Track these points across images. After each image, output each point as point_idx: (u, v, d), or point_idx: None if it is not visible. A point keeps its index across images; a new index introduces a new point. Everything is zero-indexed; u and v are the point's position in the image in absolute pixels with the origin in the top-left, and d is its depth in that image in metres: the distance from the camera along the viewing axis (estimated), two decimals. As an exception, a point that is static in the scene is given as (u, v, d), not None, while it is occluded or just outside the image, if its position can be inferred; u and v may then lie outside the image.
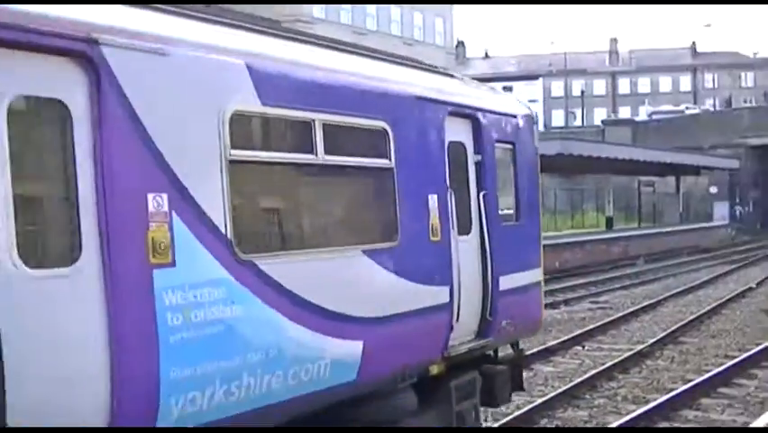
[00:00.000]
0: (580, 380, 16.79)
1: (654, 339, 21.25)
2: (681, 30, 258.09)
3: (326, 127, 8.15)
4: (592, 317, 25.28)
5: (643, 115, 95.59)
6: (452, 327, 10.02)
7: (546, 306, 15.36)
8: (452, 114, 10.43)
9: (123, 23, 6.53)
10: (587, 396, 16.14)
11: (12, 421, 5.29)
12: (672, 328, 22.72)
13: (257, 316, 7.26)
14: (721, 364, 18.23)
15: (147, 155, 6.41)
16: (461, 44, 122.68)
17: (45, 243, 6.01)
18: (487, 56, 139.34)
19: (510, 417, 13.80)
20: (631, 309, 26.78)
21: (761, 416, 10.97)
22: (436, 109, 10.16)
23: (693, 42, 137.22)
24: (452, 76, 12.08)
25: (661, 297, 29.55)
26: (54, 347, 5.68)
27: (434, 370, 10.07)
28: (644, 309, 26.94)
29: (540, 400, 14.93)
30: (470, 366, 10.95)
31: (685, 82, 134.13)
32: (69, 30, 5.95)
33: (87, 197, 5.98)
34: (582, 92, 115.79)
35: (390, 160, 9.09)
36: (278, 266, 7.51)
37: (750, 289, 31.69)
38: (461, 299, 10.16)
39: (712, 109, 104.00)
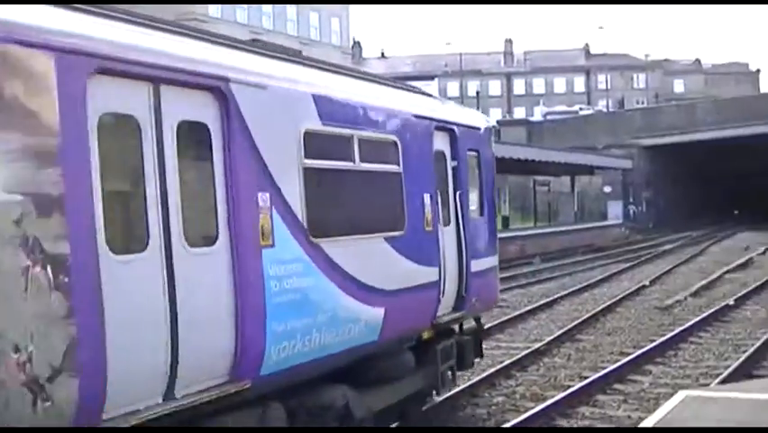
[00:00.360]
0: (478, 378, 16.76)
1: (551, 337, 21.40)
2: (574, 32, 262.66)
3: (360, 141, 10.78)
4: (490, 316, 25.14)
5: (537, 115, 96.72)
6: (439, 301, 12.71)
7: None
8: (436, 128, 13.08)
9: (241, 65, 9.04)
10: (485, 394, 16.20)
11: (182, 355, 7.59)
12: (569, 326, 22.94)
13: (322, 286, 9.74)
14: (616, 361, 18.44)
15: (257, 163, 8.79)
16: (357, 44, 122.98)
17: (197, 230, 8.15)
18: (383, 56, 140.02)
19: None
20: (528, 308, 26.89)
21: (655, 411, 10.86)
22: (427, 125, 12.84)
23: (587, 44, 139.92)
24: (434, 97, 15.13)
25: (557, 295, 29.73)
26: (206, 304, 8.03)
27: (425, 335, 12.84)
28: (541, 308, 27.08)
29: (440, 399, 14.80)
30: (447, 335, 13.85)
31: (579, 83, 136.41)
32: (213, 72, 8.35)
33: (221, 195, 8.32)
34: (478, 92, 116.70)
35: (399, 166, 11.74)
36: (334, 248, 9.98)
37: (644, 287, 32.06)
38: (446, 279, 12.86)
39: (605, 110, 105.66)
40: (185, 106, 7.98)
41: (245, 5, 71.20)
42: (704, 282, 32.91)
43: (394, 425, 13.16)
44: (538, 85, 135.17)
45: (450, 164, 13.70)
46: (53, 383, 6.36)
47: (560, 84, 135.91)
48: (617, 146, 77.27)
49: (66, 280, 6.50)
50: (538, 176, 59.57)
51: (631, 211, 76.96)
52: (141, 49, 7.69)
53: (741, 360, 18.03)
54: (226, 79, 8.41)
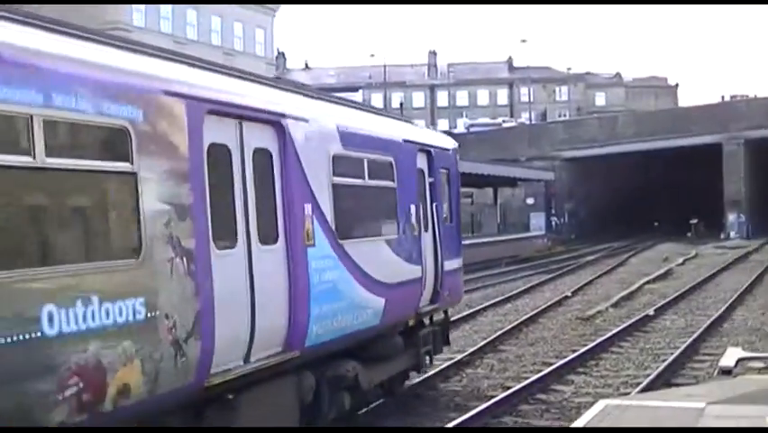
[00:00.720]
0: (404, 389, 16.85)
1: (474, 348, 21.55)
2: (498, 44, 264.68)
3: (368, 162, 13.61)
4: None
5: (461, 127, 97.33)
6: (421, 294, 15.51)
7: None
8: (419, 150, 16.08)
9: (291, 104, 11.78)
10: (409, 405, 16.27)
11: (257, 329, 10.09)
12: (492, 337, 23.04)
13: (345, 278, 12.38)
14: (539, 371, 18.61)
15: (303, 180, 11.34)
16: (281, 55, 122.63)
17: (265, 231, 10.50)
18: (307, 67, 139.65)
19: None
20: (451, 319, 26.79)
21: (576, 420, 10.93)
22: (413, 147, 15.76)
23: (510, 57, 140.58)
24: (416, 124, 19.02)
25: (480, 306, 29.87)
26: (271, 290, 10.50)
27: (411, 322, 15.65)
28: (465, 319, 27.15)
29: (365, 409, 14.95)
30: (423, 324, 16.69)
31: (502, 96, 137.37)
32: (275, 110, 11.05)
33: (280, 204, 10.84)
34: (401, 104, 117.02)
35: (394, 182, 14.52)
36: (352, 248, 12.61)
37: (566, 297, 32.34)
38: (427, 275, 15.67)
39: (528, 122, 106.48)
40: (257, 137, 10.61)
41: (169, 15, 70.62)
42: (625, 293, 33.29)
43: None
44: (462, 97, 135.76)
45: (428, 180, 16.48)
46: (186, 344, 8.74)
47: (483, 96, 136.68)
48: (540, 158, 77.91)
49: (192, 268, 8.89)
50: (461, 187, 59.80)
51: (553, 222, 77.59)
52: (232, 94, 10.35)
53: (660, 369, 18.29)
54: (283, 115, 11.10)
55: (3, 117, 7.01)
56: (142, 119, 8.45)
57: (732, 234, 72.74)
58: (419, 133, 17.65)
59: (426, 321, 16.89)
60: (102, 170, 8.16)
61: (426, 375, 17.97)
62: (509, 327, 24.85)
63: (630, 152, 78.36)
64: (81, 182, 8.02)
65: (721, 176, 75.99)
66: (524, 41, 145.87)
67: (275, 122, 10.94)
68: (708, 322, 24.75)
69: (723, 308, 27.43)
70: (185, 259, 8.83)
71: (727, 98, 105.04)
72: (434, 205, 16.48)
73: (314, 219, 11.56)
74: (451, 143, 18.75)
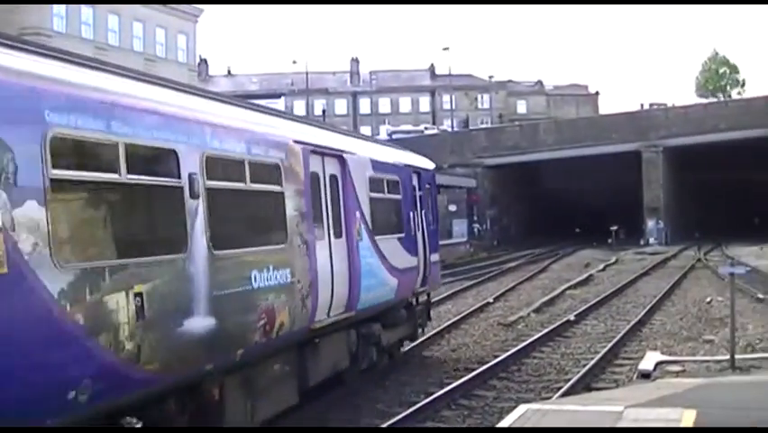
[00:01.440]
0: (326, 397, 16.76)
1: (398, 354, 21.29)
2: (420, 52, 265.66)
3: (387, 181, 19.15)
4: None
5: (383, 134, 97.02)
6: (417, 278, 21.00)
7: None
8: (413, 171, 21.69)
9: (347, 143, 17.38)
10: (332, 411, 16.26)
11: (335, 295, 15.42)
12: (415, 343, 22.80)
13: (376, 264, 17.61)
14: (461, 377, 18.67)
15: (354, 195, 16.53)
16: (203, 62, 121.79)
17: (335, 229, 15.74)
18: (230, 74, 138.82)
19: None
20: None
21: (495, 424, 10.97)
22: (410, 170, 21.41)
23: (432, 64, 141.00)
24: (412, 153, 23.38)
25: (403, 312, 29.64)
26: (340, 269, 15.75)
27: (410, 299, 21.04)
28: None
29: (288, 418, 14.76)
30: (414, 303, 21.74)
31: (424, 103, 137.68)
32: (340, 148, 16.52)
33: (343, 211, 16.07)
34: (324, 111, 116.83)
35: (400, 195, 20.12)
36: (380, 242, 17.80)
37: (488, 303, 32.51)
38: (420, 265, 21.16)
39: (450, 129, 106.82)
40: (331, 166, 16.00)
41: (90, 20, 69.76)
42: (546, 299, 33.56)
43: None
44: (384, 104, 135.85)
45: (418, 193, 21.88)
46: (306, 300, 13.81)
47: (405, 103, 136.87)
48: (462, 165, 78.17)
49: (308, 252, 14.02)
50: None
51: (476, 229, 77.87)
52: (319, 138, 16.07)
53: (581, 374, 18.43)
54: (343, 151, 16.65)
55: (263, 165, 13.05)
56: (285, 158, 13.66)
57: (651, 240, 73.75)
58: (413, 158, 22.75)
59: (414, 302, 21.74)
60: (271, 191, 13.27)
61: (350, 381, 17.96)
62: (432, 333, 24.80)
63: (551, 159, 79.11)
64: (265, 198, 13.31)
65: (641, 183, 77.05)
66: (446, 48, 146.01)
67: (339, 155, 16.37)
68: (628, 327, 25.02)
69: (642, 313, 27.76)
70: (305, 245, 13.99)
71: (647, 107, 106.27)
72: (422, 212, 22.02)
73: (360, 222, 16.93)
74: (431, 165, 24.38)
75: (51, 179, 8.29)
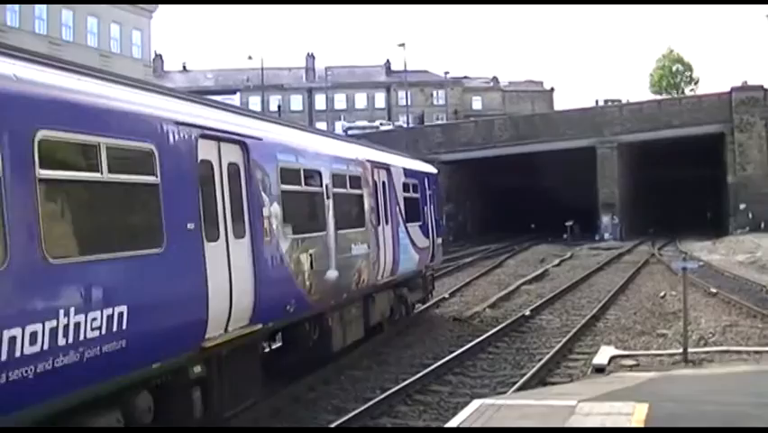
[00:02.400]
0: (284, 392, 16.81)
1: (354, 351, 21.28)
2: (375, 48, 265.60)
3: (411, 184, 26.27)
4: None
5: (338, 130, 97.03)
6: (428, 255, 27.57)
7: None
8: (425, 176, 28.51)
9: (398, 160, 27.08)
10: (290, 408, 16.19)
11: (383, 260, 22.94)
12: (370, 340, 22.74)
13: (407, 242, 24.95)
14: (417, 373, 18.63)
15: (395, 196, 24.17)
16: (158, 57, 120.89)
17: (394, 219, 24.07)
18: (185, 69, 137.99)
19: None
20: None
21: (451, 419, 10.93)
22: (424, 175, 28.47)
23: (387, 60, 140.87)
24: (412, 158, 29.73)
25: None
26: (390, 244, 23.29)
27: (423, 271, 27.69)
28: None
29: (250, 416, 14.71)
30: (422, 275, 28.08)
31: (380, 99, 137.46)
32: (385, 162, 24.12)
33: (390, 207, 23.85)
34: (279, 107, 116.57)
35: (419, 194, 27.27)
36: (409, 228, 25.31)
37: (443, 299, 32.57)
38: (430, 245, 27.67)
39: (405, 125, 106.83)
40: (382, 175, 23.23)
41: (45, 15, 69.08)
42: (502, 294, 33.64)
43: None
44: (339, 100, 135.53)
45: (428, 192, 28.60)
46: (373, 266, 21.57)
47: (361, 99, 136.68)
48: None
49: (375, 233, 21.87)
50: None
51: (432, 225, 77.79)
52: (400, 164, 25.92)
53: (536, 368, 18.48)
54: (390, 165, 24.14)
55: (349, 176, 20.37)
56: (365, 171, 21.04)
57: (606, 235, 74.20)
58: (425, 166, 30.45)
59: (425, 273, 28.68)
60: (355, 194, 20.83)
61: (306, 379, 17.92)
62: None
63: (506, 154, 79.34)
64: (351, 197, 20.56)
65: (596, 179, 77.51)
66: (401, 44, 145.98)
67: (386, 168, 23.83)
68: (583, 321, 25.18)
69: (597, 308, 27.93)
70: (374, 230, 21.58)
71: (601, 103, 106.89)
72: (432, 206, 29.01)
73: (399, 213, 24.37)
74: (435, 170, 32.18)
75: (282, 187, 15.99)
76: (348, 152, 21.08)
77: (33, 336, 8.71)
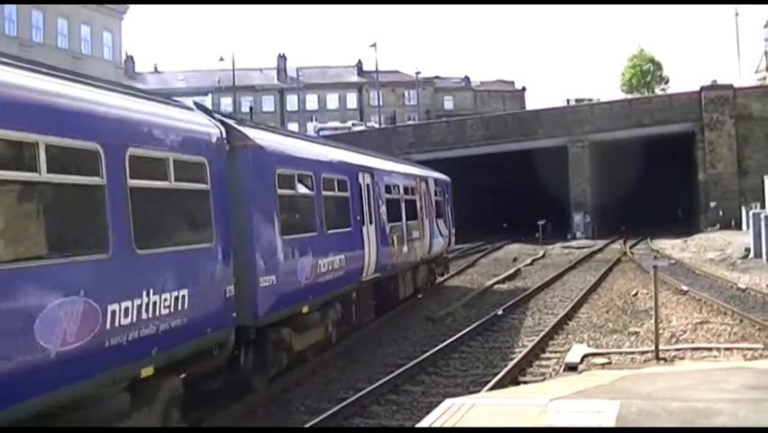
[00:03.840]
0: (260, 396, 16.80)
1: (327, 351, 21.38)
2: (347, 48, 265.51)
3: (435, 190, 37.01)
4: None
5: (311, 131, 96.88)
6: (447, 241, 38.92)
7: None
8: (444, 183, 39.87)
9: (425, 173, 38.20)
10: (263, 409, 16.22)
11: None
12: (344, 340, 22.78)
13: (435, 232, 35.60)
14: (390, 373, 18.70)
15: (431, 199, 35.84)
16: (130, 59, 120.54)
17: (429, 216, 35.28)
18: (156, 70, 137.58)
19: None
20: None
21: (424, 419, 10.96)
22: (443, 182, 39.88)
23: (359, 61, 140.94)
24: (417, 165, 38.69)
25: (332, 309, 29.65)
26: (427, 234, 33.96)
27: (444, 253, 39.44)
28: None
29: (226, 416, 14.79)
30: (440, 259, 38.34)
31: (352, 99, 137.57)
32: (421, 175, 36.64)
33: (428, 207, 34.98)
34: (251, 108, 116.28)
35: (441, 197, 38.41)
36: (438, 222, 36.26)
37: (417, 299, 32.42)
38: (448, 235, 39.03)
39: (377, 126, 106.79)
40: (429, 184, 36.47)
41: (15, 16, 68.73)
42: (474, 293, 33.75)
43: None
44: (311, 101, 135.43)
45: (447, 196, 39.47)
46: (422, 246, 32.76)
47: (332, 100, 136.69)
48: (390, 161, 78.09)
49: (429, 225, 34.32)
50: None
51: (404, 225, 77.85)
52: (427, 174, 37.09)
53: (508, 367, 18.51)
54: (426, 177, 35.70)
55: (411, 187, 32.30)
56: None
57: (578, 234, 74.44)
58: (444, 177, 40.60)
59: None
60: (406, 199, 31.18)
61: (277, 380, 17.92)
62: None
63: (478, 154, 79.42)
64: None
65: (568, 178, 77.74)
66: (373, 45, 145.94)
67: (438, 180, 37.80)
68: (555, 320, 25.25)
69: (569, 307, 28.02)
70: (422, 221, 33.02)
71: (572, 102, 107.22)
72: (447, 206, 39.72)
73: (432, 211, 34.71)
74: (449, 179, 41.86)
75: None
76: (407, 171, 33.48)
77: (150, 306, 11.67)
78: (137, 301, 11.32)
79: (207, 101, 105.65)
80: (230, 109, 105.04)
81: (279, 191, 17.37)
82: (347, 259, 21.57)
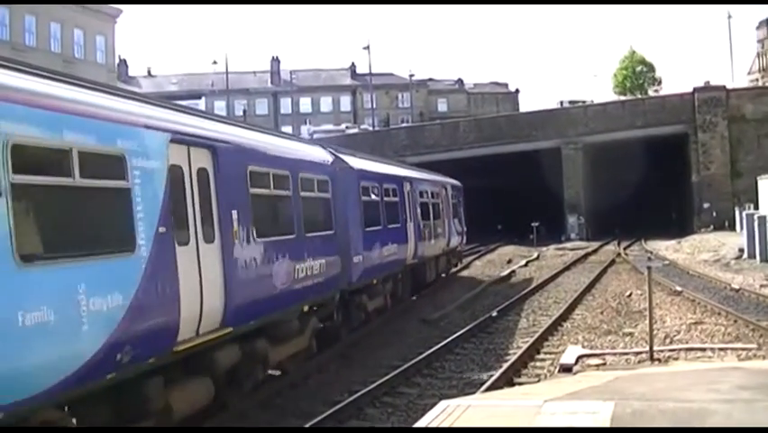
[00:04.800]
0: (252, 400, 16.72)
1: (320, 354, 21.26)
2: (340, 51, 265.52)
3: (452, 195, 44.30)
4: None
5: (304, 134, 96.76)
6: (461, 238, 46.17)
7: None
8: (459, 189, 47.58)
9: (446, 180, 45.47)
10: (256, 411, 16.20)
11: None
12: (339, 343, 22.77)
13: (455, 231, 43.46)
14: (385, 375, 18.71)
15: (450, 204, 43.33)
16: (123, 62, 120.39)
17: (450, 217, 42.96)
18: (150, 74, 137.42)
19: None
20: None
21: (417, 421, 10.98)
22: (459, 186, 47.37)
23: (353, 63, 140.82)
24: (438, 174, 44.60)
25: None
26: (446, 231, 41.19)
27: (459, 247, 46.24)
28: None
29: (217, 422, 14.78)
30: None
31: (345, 102, 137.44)
32: (442, 181, 44.01)
33: (446, 209, 42.05)
34: (245, 111, 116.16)
35: (457, 200, 45.68)
36: (455, 222, 43.90)
37: (411, 301, 32.47)
38: (462, 232, 46.30)
39: (371, 128, 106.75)
40: (452, 191, 45.10)
41: (7, 21, 68.61)
42: (469, 295, 33.83)
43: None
44: (305, 104, 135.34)
45: (460, 199, 46.59)
46: (444, 242, 39.84)
47: (326, 103, 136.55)
48: (384, 164, 78.06)
49: (445, 224, 40.56)
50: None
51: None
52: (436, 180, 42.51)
53: (503, 369, 18.55)
54: (444, 184, 42.76)
55: (436, 192, 39.70)
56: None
57: (572, 235, 74.60)
58: (457, 182, 46.04)
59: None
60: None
61: (273, 382, 17.91)
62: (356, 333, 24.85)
63: (471, 156, 79.43)
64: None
65: (561, 180, 77.83)
66: (366, 47, 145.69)
67: (452, 185, 45.00)
68: (550, 322, 25.29)
69: (564, 308, 28.06)
70: (444, 220, 40.02)
71: (566, 104, 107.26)
72: (461, 209, 45.64)
73: (450, 212, 41.84)
74: (461, 185, 47.45)
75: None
76: (433, 178, 41.13)
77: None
78: (304, 264, 18.65)
79: (201, 105, 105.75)
80: (223, 113, 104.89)
81: (363, 198, 25.52)
82: (398, 248, 29.18)
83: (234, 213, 14.81)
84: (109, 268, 10.99)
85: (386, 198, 28.51)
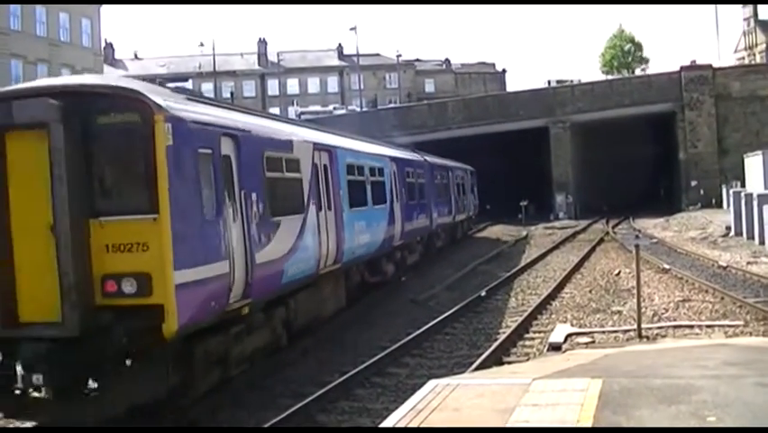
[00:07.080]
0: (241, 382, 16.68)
1: (310, 336, 21.24)
2: (327, 32, 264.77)
3: (466, 177, 59.19)
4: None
5: (292, 115, 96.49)
6: (470, 212, 58.94)
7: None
8: (472, 172, 61.54)
9: (461, 167, 59.44)
10: (245, 395, 16.16)
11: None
12: (328, 324, 22.77)
13: (468, 203, 58.02)
14: (374, 356, 18.76)
15: (462, 187, 55.12)
16: (109, 46, 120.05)
17: (463, 198, 55.97)
18: (136, 57, 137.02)
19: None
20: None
21: (406, 400, 11.03)
22: (472, 172, 61.28)
23: (339, 44, 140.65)
24: (461, 163, 58.03)
25: (316, 293, 29.70)
26: (462, 206, 55.32)
27: (472, 216, 60.27)
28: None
29: (209, 404, 14.77)
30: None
31: (333, 83, 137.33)
32: (466, 168, 59.22)
33: (458, 191, 53.61)
34: (232, 93, 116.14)
35: (468, 183, 57.91)
36: (468, 195, 57.90)
37: (400, 281, 32.41)
38: (470, 209, 58.65)
39: (359, 109, 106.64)
40: (464, 173, 58.08)
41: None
42: (458, 275, 33.85)
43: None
44: (292, 85, 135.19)
45: (471, 182, 59.71)
46: (456, 210, 50.88)
47: (313, 84, 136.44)
48: (372, 145, 78.05)
49: (457, 197, 51.98)
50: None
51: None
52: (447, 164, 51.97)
53: (492, 348, 18.57)
54: (451, 167, 51.47)
55: (462, 174, 56.04)
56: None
57: (561, 214, 74.69)
58: (471, 167, 60.93)
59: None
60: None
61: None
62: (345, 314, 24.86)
63: (459, 136, 79.41)
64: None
65: (549, 159, 77.91)
66: (353, 28, 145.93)
67: (467, 170, 59.60)
68: (539, 301, 25.33)
69: (552, 287, 28.13)
70: (463, 195, 55.13)
71: (553, 83, 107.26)
72: (473, 187, 61.08)
73: (469, 190, 58.12)
74: (473, 169, 61.89)
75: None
76: (461, 166, 54.74)
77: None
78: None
79: (188, 86, 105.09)
80: (211, 95, 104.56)
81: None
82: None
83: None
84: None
85: (437, 181, 43.46)
